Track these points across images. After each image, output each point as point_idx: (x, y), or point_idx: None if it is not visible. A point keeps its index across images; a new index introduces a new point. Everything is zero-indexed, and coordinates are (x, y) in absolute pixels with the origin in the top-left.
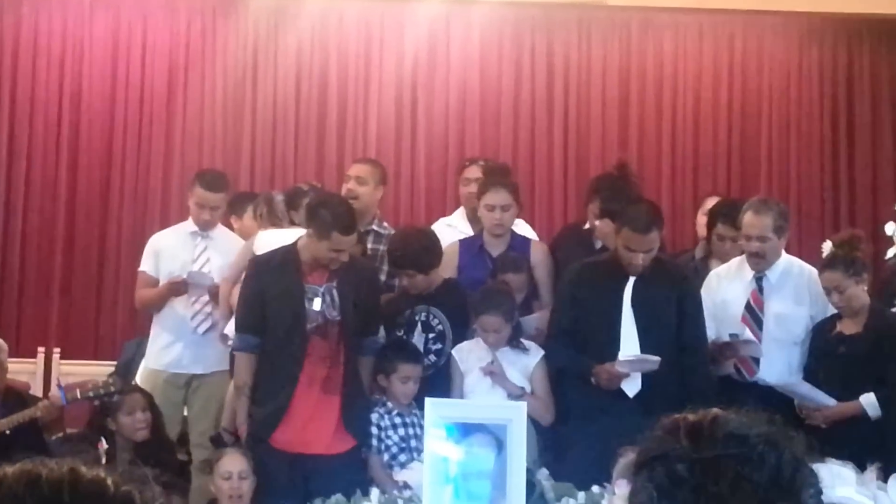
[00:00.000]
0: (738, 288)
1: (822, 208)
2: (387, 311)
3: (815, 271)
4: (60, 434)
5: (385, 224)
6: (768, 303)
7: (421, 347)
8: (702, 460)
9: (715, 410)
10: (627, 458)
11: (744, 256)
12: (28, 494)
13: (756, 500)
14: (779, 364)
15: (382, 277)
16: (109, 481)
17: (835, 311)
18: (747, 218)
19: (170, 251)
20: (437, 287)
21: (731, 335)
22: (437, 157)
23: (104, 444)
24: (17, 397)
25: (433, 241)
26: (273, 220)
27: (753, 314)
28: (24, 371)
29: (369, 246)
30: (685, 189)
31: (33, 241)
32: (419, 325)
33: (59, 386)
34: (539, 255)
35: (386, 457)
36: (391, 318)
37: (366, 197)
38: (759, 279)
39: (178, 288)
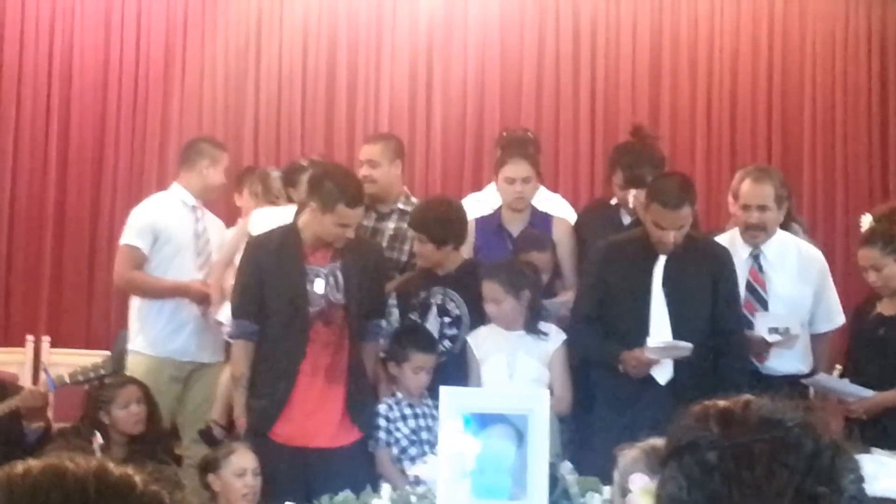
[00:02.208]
0: None
1: (870, 182)
2: (401, 293)
3: (809, 246)
4: (42, 423)
5: (413, 200)
6: (770, 282)
7: (435, 332)
8: (734, 446)
9: (746, 396)
10: (628, 454)
11: (732, 232)
12: (53, 490)
13: (793, 487)
14: (788, 350)
15: (403, 258)
16: (137, 479)
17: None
18: (745, 186)
19: (175, 228)
20: (455, 268)
21: (771, 330)
22: (454, 128)
23: (99, 439)
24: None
25: (457, 214)
26: (269, 198)
27: (756, 295)
28: (13, 361)
29: (392, 225)
30: (721, 161)
31: (21, 223)
32: (434, 308)
33: (45, 371)
34: (562, 233)
35: (395, 450)
36: (406, 300)
37: (382, 178)
38: (756, 256)
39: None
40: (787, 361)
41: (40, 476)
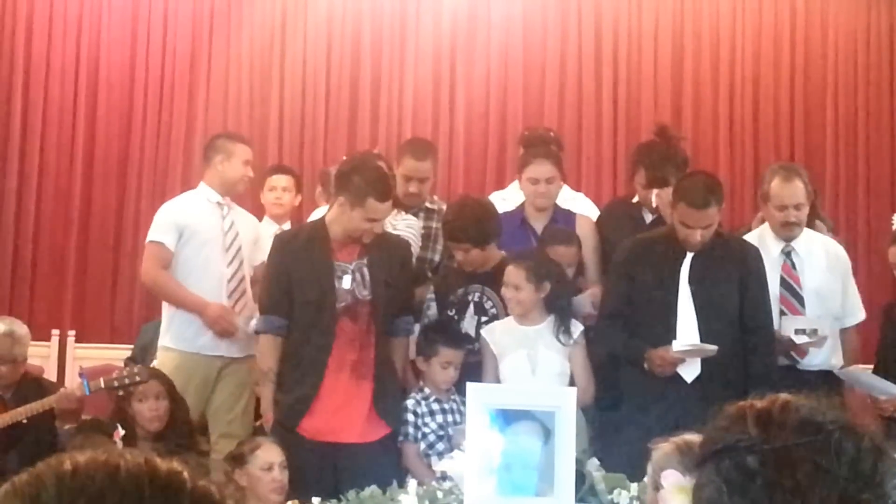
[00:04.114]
0: (766, 263)
1: (892, 181)
2: (439, 289)
3: (833, 242)
4: (75, 424)
5: (435, 198)
6: (804, 277)
7: (472, 330)
8: (774, 451)
9: (784, 396)
10: (662, 448)
11: (761, 229)
12: (107, 486)
13: (836, 493)
14: (818, 348)
15: (436, 257)
16: (186, 475)
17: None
18: (777, 188)
19: (201, 224)
20: (493, 266)
21: (797, 331)
22: (476, 127)
23: (121, 433)
24: (34, 384)
25: (490, 212)
26: (328, 196)
27: (792, 291)
28: (38, 355)
29: (421, 224)
30: (744, 160)
31: (47, 219)
32: (472, 306)
33: (81, 375)
34: (586, 230)
35: (422, 445)
36: (443, 298)
37: (427, 192)
38: (787, 253)
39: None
40: (819, 355)
41: (91, 471)
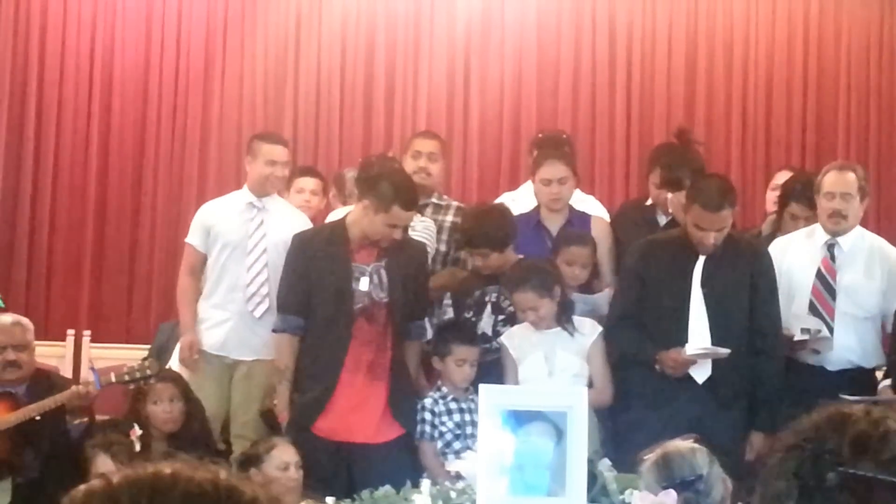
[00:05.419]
0: (806, 255)
1: None
2: (457, 291)
3: (885, 244)
4: (85, 419)
5: (445, 196)
6: (840, 273)
7: (490, 329)
8: (856, 479)
9: (890, 422)
10: (650, 461)
11: (813, 226)
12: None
13: None
14: (852, 341)
15: (443, 248)
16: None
17: None
18: (830, 177)
19: (223, 225)
20: (511, 268)
21: (803, 330)
22: (490, 129)
23: (137, 431)
24: (45, 380)
25: (507, 216)
26: (342, 198)
27: (825, 283)
28: (53, 355)
29: (429, 216)
30: (756, 162)
31: (63, 219)
32: (489, 306)
33: (92, 369)
34: (600, 231)
35: (440, 444)
36: (461, 299)
37: (437, 173)
38: (830, 246)
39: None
40: (851, 350)
41: (175, 484)
